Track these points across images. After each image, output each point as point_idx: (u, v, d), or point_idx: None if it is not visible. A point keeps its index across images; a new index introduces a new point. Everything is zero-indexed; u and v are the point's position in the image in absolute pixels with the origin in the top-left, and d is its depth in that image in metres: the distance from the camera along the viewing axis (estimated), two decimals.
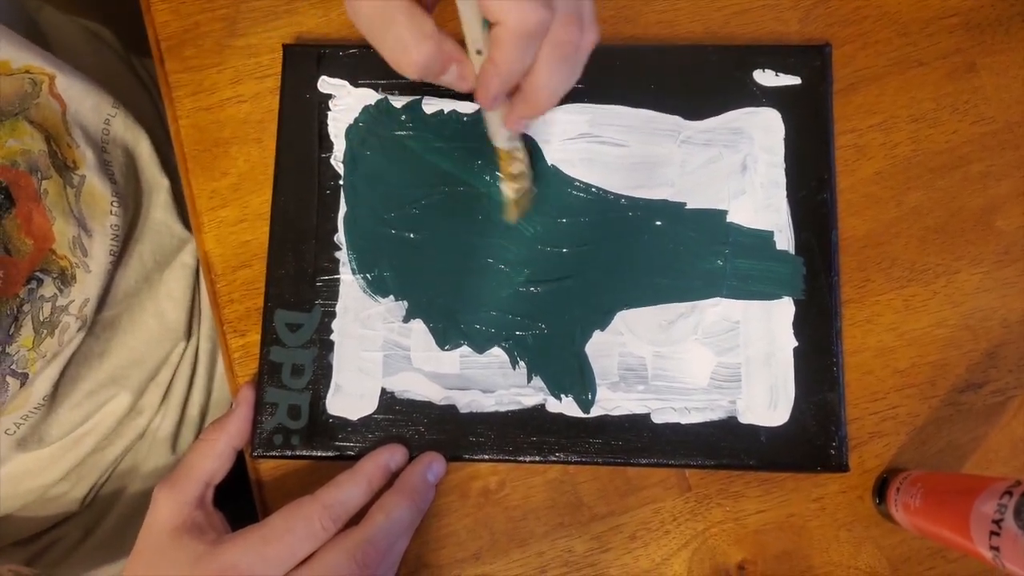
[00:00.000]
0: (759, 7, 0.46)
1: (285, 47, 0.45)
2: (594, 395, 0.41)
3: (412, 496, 0.39)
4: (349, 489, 0.38)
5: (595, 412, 0.41)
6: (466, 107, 0.44)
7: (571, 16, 0.30)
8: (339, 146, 0.44)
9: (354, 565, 0.36)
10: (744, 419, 0.41)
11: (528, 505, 0.42)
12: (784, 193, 0.42)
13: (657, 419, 0.41)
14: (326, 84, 0.44)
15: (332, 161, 0.44)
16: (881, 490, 0.41)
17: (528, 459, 0.41)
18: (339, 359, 0.42)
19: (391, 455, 0.40)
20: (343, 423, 0.41)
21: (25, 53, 0.42)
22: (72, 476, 0.51)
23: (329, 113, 0.44)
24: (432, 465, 0.40)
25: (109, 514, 0.54)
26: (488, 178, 0.43)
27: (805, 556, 0.41)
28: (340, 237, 0.43)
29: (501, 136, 0.37)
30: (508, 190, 0.40)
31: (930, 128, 0.45)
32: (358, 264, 0.43)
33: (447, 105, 0.44)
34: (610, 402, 0.41)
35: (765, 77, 0.43)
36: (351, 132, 0.44)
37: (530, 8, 0.28)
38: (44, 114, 0.44)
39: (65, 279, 0.44)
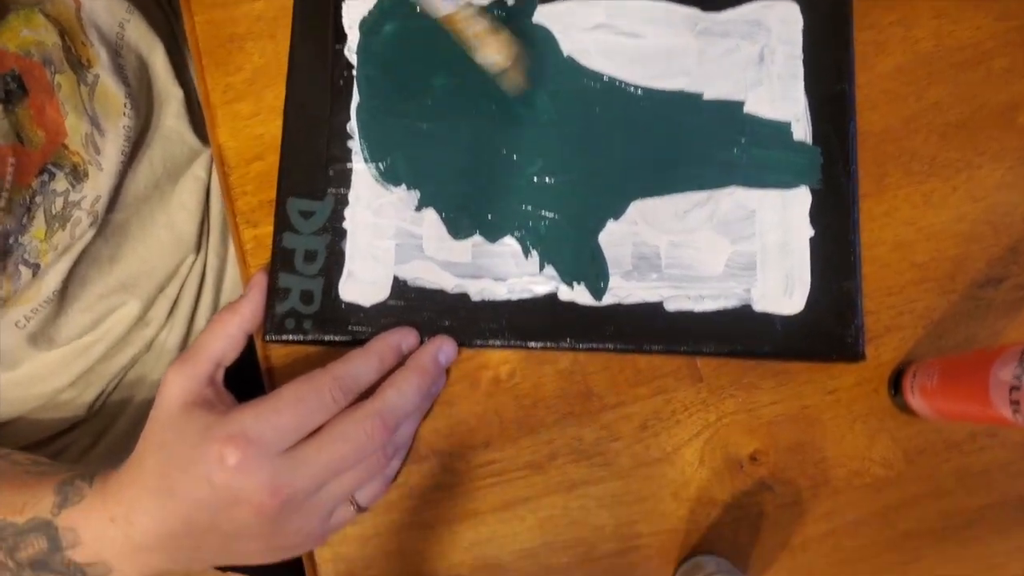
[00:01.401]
0: None
1: None
2: (606, 283, 0.41)
3: (423, 374, 0.39)
4: (360, 364, 0.38)
5: (607, 300, 0.41)
6: None
7: None
8: (353, 37, 0.44)
9: (363, 435, 0.37)
10: (758, 307, 0.41)
11: (538, 394, 0.42)
12: (802, 84, 0.42)
13: (670, 307, 0.41)
14: None
15: (346, 52, 0.44)
16: (896, 382, 0.41)
17: (539, 345, 0.41)
18: (352, 246, 0.42)
19: (403, 336, 0.40)
20: (355, 309, 0.42)
21: None
22: (80, 383, 0.52)
23: (344, 5, 0.44)
24: (443, 347, 0.40)
25: (118, 421, 0.55)
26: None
27: (818, 447, 0.41)
28: (352, 126, 0.43)
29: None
30: (487, 58, 0.39)
31: (953, 24, 0.45)
32: (370, 153, 0.43)
33: None
34: (623, 290, 0.41)
35: None
36: (365, 23, 0.44)
37: None
38: (59, 9, 0.45)
39: (77, 175, 0.44)
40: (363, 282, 0.42)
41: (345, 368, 0.38)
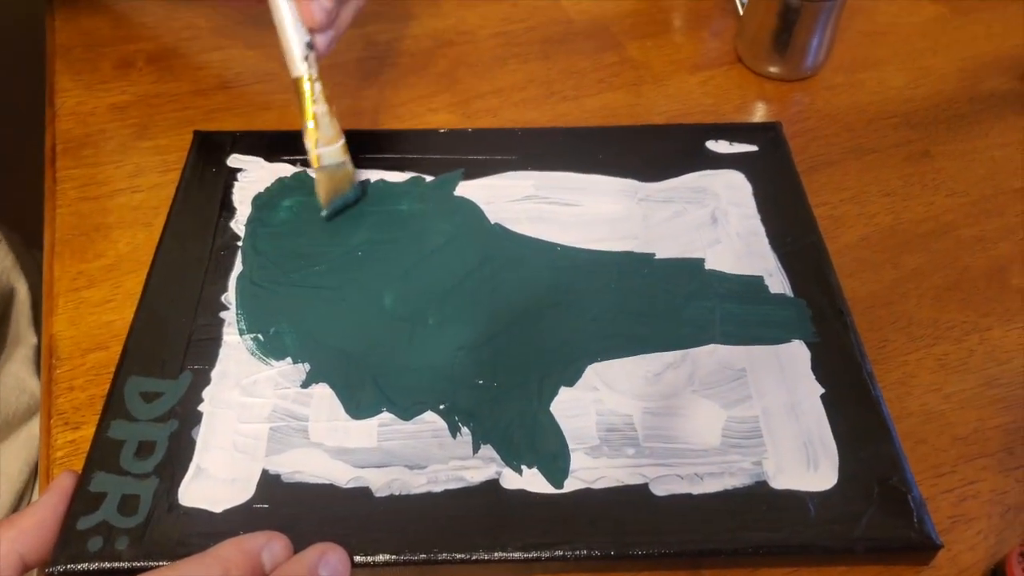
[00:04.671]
0: (700, 111, 0.48)
1: (196, 132, 0.43)
2: (568, 463, 0.31)
3: None
4: (192, 575, 0.25)
5: (571, 486, 0.31)
6: (395, 176, 0.41)
7: None
8: (243, 211, 0.40)
9: None
10: (778, 484, 0.31)
11: None
12: (766, 241, 0.39)
13: (658, 490, 0.31)
14: (237, 160, 0.42)
15: (232, 224, 0.39)
16: None
17: (476, 557, 0.29)
18: (207, 434, 0.32)
19: (267, 542, 0.28)
20: (200, 517, 0.30)
21: None
22: None
23: (236, 183, 0.41)
24: (327, 558, 0.28)
25: None
26: (425, 236, 0.39)
27: None
28: (229, 297, 0.36)
29: (297, 50, 0.35)
30: (313, 144, 0.36)
31: (905, 200, 0.44)
32: (249, 323, 0.35)
33: (374, 175, 0.41)
34: (591, 472, 0.31)
35: (719, 146, 0.43)
36: (260, 198, 0.40)
37: None
38: None
39: None
40: (216, 480, 0.30)
41: None
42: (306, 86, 0.36)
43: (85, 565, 0.28)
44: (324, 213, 0.38)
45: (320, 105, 0.36)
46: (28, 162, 0.53)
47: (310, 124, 0.36)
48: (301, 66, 0.35)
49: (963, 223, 0.43)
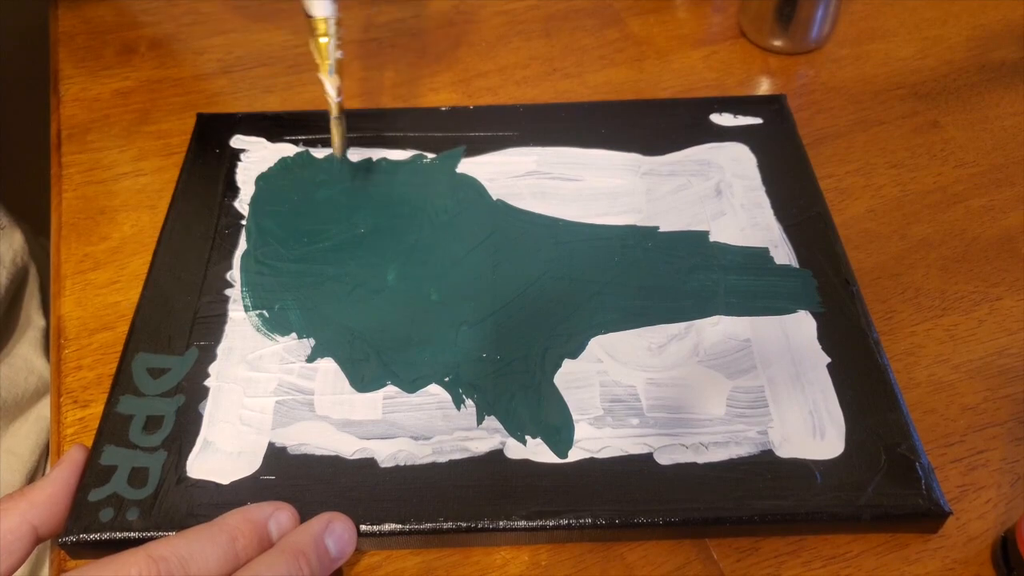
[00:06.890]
0: (703, 87, 0.48)
1: (199, 115, 0.44)
2: (571, 433, 0.32)
3: (297, 559, 0.26)
4: (199, 543, 0.26)
5: (575, 455, 0.31)
6: (397, 154, 0.42)
7: None
8: (247, 191, 0.40)
9: None
10: (783, 452, 0.31)
11: None
12: (771, 212, 0.39)
13: (663, 459, 0.31)
14: (240, 141, 0.42)
15: (236, 204, 0.40)
16: (1004, 553, 0.30)
17: (481, 525, 0.29)
18: (213, 408, 0.32)
19: (273, 511, 0.28)
20: (208, 489, 0.30)
21: None
22: None
23: (239, 164, 0.41)
24: (333, 526, 0.28)
25: None
26: (428, 213, 0.39)
27: None
28: (234, 274, 0.37)
29: None
30: (333, 88, 0.37)
31: (912, 172, 0.44)
32: (254, 300, 0.36)
33: (375, 153, 0.42)
34: (595, 441, 0.31)
35: (723, 119, 0.43)
36: (263, 177, 0.41)
37: None
38: None
39: None
40: (223, 453, 0.31)
41: (172, 546, 0.26)
42: (332, 28, 0.35)
43: (97, 535, 0.29)
44: (341, 158, 0.40)
45: (338, 52, 0.36)
46: (34, 151, 0.54)
47: (331, 70, 0.36)
48: (329, 5, 0.35)
49: (972, 193, 0.43)
